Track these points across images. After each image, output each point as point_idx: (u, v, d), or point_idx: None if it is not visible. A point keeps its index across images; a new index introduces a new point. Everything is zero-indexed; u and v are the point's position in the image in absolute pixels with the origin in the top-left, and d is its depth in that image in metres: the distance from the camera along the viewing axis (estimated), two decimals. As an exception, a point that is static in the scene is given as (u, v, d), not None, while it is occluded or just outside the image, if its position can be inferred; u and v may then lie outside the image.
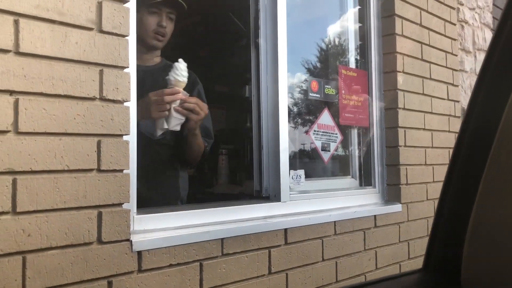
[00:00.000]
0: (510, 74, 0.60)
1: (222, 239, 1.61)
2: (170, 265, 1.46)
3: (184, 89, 1.91)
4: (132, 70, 1.42)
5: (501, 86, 0.61)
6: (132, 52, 1.43)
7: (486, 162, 0.64)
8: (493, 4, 3.56)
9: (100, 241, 1.29)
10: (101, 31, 1.32)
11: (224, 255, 1.61)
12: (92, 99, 1.29)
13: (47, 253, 1.19)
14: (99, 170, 1.29)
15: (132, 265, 1.36)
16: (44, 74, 1.19)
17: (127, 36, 1.38)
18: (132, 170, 1.41)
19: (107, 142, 1.31)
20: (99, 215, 1.29)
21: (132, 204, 1.41)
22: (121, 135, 1.35)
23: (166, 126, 1.81)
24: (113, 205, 1.32)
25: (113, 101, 1.33)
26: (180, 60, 1.82)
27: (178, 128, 1.84)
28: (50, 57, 1.21)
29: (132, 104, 1.41)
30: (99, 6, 1.31)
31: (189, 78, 2.01)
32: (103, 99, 1.31)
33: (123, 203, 1.35)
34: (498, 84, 0.62)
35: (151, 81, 2.03)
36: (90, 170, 1.28)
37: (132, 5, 1.45)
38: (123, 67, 1.36)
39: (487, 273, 0.66)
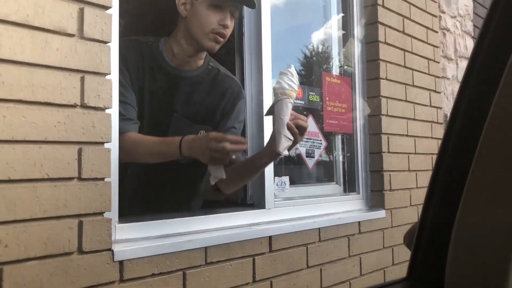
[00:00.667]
0: (493, 78, 0.61)
1: (205, 248, 1.59)
2: (153, 275, 1.44)
3: (219, 105, 1.71)
4: (114, 77, 1.40)
5: (485, 90, 0.61)
6: (114, 58, 1.42)
7: (469, 169, 0.64)
8: (474, 13, 3.62)
9: (80, 251, 1.26)
10: (83, 38, 1.30)
11: (207, 264, 1.60)
12: (73, 106, 1.27)
13: (25, 264, 1.16)
14: (80, 178, 1.27)
15: (113, 275, 1.34)
16: (23, 81, 1.17)
17: (109, 42, 1.36)
18: (113, 178, 1.38)
19: (88, 150, 1.29)
20: (80, 225, 1.26)
21: (113, 212, 1.39)
22: (102, 143, 1.32)
23: (220, 176, 1.47)
24: (94, 214, 1.30)
25: (95, 108, 1.31)
26: (292, 65, 1.52)
27: (287, 152, 1.50)
28: (30, 64, 1.19)
29: (113, 111, 1.39)
30: (81, 12, 1.29)
31: (228, 87, 1.76)
32: (84, 106, 1.29)
33: (104, 212, 1.32)
34: (482, 88, 0.63)
35: (187, 90, 1.74)
36: (71, 178, 1.25)
37: (114, 11, 1.43)
38: (105, 74, 1.34)
39: (470, 281, 0.66)
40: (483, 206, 0.65)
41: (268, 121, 1.98)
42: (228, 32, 1.68)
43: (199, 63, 1.78)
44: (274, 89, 1.49)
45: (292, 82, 1.47)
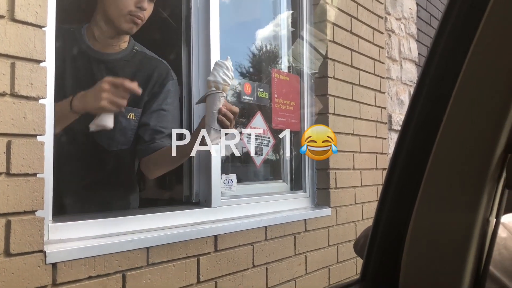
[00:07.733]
0: (447, 85, 0.59)
1: (147, 248, 1.51)
2: (89, 277, 1.35)
3: (147, 86, 1.68)
4: (49, 64, 1.30)
5: (443, 87, 0.60)
6: (50, 44, 1.31)
7: (425, 168, 0.62)
8: (417, 16, 3.73)
9: (8, 253, 1.15)
10: (14, 20, 1.18)
11: (149, 265, 1.52)
12: (2, 95, 1.16)
13: None
14: (8, 174, 1.16)
15: (45, 278, 1.24)
16: None
17: (45, 26, 1.26)
18: (47, 173, 1.28)
19: (18, 143, 1.18)
20: (8, 225, 1.15)
21: (47, 211, 1.28)
22: (35, 136, 1.22)
23: (107, 124, 1.45)
24: (24, 212, 1.19)
25: (27, 97, 1.20)
26: (228, 57, 1.54)
27: (217, 143, 1.56)
28: (-49, 46, 1.07)
29: (48, 102, 1.29)
30: (12, -9, 1.18)
31: (156, 69, 1.75)
32: (14, 95, 1.18)
33: (36, 211, 1.22)
34: (440, 85, 0.61)
35: (111, 73, 1.70)
36: (-2, 174, 1.14)
37: (51, -7, 1.32)
38: (39, 61, 1.23)
39: (425, 281, 0.65)
40: (438, 206, 0.63)
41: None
42: (146, 15, 1.68)
43: (123, 46, 1.76)
44: (209, 81, 1.51)
45: (227, 76, 1.49)
